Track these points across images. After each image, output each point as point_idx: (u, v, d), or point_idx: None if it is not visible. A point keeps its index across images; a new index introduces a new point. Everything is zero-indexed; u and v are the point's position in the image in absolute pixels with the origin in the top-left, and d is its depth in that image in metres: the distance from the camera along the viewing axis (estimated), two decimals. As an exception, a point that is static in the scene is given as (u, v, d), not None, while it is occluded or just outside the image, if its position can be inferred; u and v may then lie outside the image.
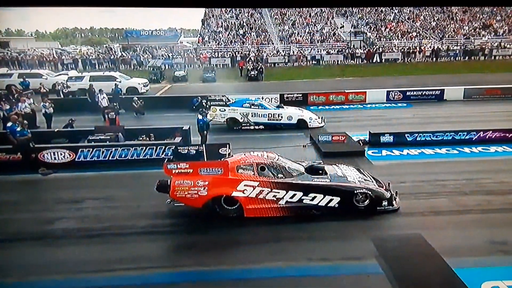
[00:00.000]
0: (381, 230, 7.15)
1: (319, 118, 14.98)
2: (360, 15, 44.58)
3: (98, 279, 5.88)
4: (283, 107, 15.27)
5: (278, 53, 37.67)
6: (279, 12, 45.66)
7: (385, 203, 7.59)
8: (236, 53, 37.33)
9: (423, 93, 19.81)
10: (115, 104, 16.36)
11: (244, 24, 44.46)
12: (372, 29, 42.50)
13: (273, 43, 41.02)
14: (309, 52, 37.33)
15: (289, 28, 43.60)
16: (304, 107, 16.65)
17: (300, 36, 41.92)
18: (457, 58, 35.74)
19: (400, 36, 40.84)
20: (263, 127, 14.43)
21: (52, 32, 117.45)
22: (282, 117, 14.51)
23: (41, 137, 11.72)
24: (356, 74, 28.49)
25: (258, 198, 7.32)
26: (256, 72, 28.44)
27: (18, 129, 10.65)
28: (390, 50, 37.40)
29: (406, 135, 12.05)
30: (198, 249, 6.69)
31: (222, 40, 41.74)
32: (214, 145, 8.62)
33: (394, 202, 7.69)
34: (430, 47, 37.44)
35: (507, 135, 12.06)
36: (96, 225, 7.52)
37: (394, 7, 46.10)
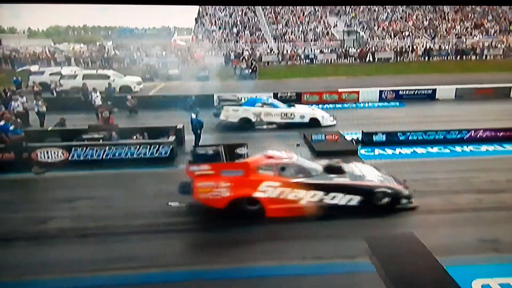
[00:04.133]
0: (374, 229, 7.21)
1: (331, 116, 14.93)
2: (353, 15, 44.69)
3: (93, 278, 5.86)
4: (294, 106, 15.11)
5: (272, 52, 37.66)
6: (272, 10, 45.64)
7: (404, 201, 7.69)
8: (230, 51, 37.25)
9: (416, 92, 19.99)
10: (109, 102, 16.24)
11: (238, 22, 44.37)
12: (365, 28, 42.65)
13: (266, 42, 41.00)
14: (303, 51, 37.39)
15: (282, 27, 43.59)
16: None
17: (294, 35, 41.94)
18: (449, 58, 36.05)
19: (392, 35, 41.05)
20: (276, 126, 14.31)
21: (44, 29, 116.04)
22: (294, 116, 14.43)
23: (34, 136, 11.61)
24: (350, 73, 28.58)
25: (279, 198, 7.37)
26: (250, 70, 28.42)
27: (11, 128, 10.53)
28: (383, 49, 37.59)
29: (398, 134, 12.15)
30: (192, 248, 6.70)
31: (216, 39, 41.62)
32: (231, 145, 8.74)
33: (412, 200, 7.78)
34: (422, 46, 37.71)
35: (498, 134, 12.22)
36: (90, 224, 7.49)
37: (386, 6, 46.38)
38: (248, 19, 45.19)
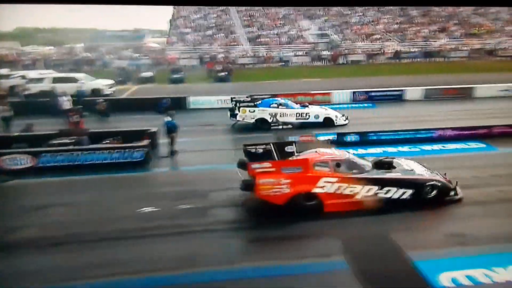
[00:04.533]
0: (349, 228, 7.37)
1: (343, 116, 15.10)
2: (326, 18, 45.59)
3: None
4: (308, 106, 15.30)
5: (247, 55, 37.79)
6: (247, 13, 45.88)
7: (452, 193, 8.04)
8: (205, 54, 37.09)
9: (386, 94, 20.61)
10: (79, 106, 15.77)
11: (213, 25, 44.26)
12: (337, 31, 43.58)
13: (241, 45, 41.11)
14: (277, 54, 37.75)
15: (257, 29, 43.85)
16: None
17: (268, 37, 42.28)
18: (417, 60, 37.39)
19: (364, 38, 42.15)
20: (291, 126, 14.46)
21: (11, 31, 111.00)
22: (309, 116, 14.72)
23: (-1, 142, 11.13)
24: (323, 75, 29.06)
25: (336, 194, 7.58)
26: (225, 73, 28.39)
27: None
28: (354, 52, 38.53)
29: (370, 134, 12.49)
30: (168, 254, 6.61)
31: (191, 41, 41.31)
32: (280, 143, 8.80)
33: (458, 192, 8.10)
34: (392, 49, 38.95)
35: (464, 132, 12.79)
36: (61, 232, 7.24)
37: (357, 11, 47.61)
38: (223, 21, 45.18)
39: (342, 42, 41.16)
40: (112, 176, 10.06)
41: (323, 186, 7.55)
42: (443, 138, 12.59)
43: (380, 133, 12.58)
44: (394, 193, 7.73)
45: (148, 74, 28.74)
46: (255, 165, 7.57)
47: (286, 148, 8.57)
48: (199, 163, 11.19)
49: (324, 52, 38.01)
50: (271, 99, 15.42)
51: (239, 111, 14.51)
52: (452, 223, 7.46)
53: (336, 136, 12.57)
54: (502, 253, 6.20)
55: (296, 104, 15.48)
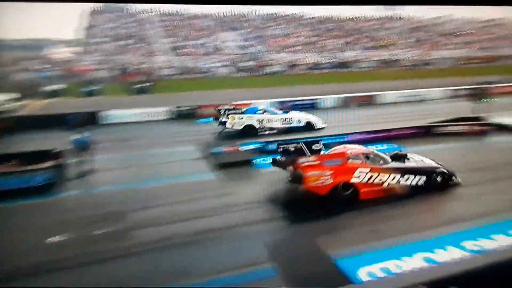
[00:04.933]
0: (273, 233, 7.41)
1: (320, 120, 16.09)
2: (249, 30, 46.81)
3: None
4: (289, 112, 16.07)
5: (169, 65, 36.92)
6: (170, 23, 45.03)
7: (454, 178, 9.30)
8: (123, 64, 35.29)
9: (302, 103, 21.68)
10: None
11: (133, 34, 42.44)
12: (260, 42, 44.98)
13: (164, 55, 40.04)
14: (201, 64, 37.59)
15: (180, 39, 43.20)
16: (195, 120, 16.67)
17: (192, 48, 41.90)
18: (332, 70, 40.27)
19: (285, 49, 44.15)
20: (276, 131, 15.14)
21: None
22: (293, 121, 15.55)
23: None
24: (246, 86, 29.63)
25: (369, 183, 8.57)
26: (145, 84, 27.32)
27: None
28: (276, 62, 40.10)
29: (289, 142, 12.89)
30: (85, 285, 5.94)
31: (107, 51, 39.01)
32: (308, 141, 9.55)
33: (457, 178, 9.39)
34: (311, 60, 41.47)
35: (376, 135, 13.92)
36: None
37: (279, 23, 49.83)
38: (144, 30, 43.63)
39: (265, 53, 42.57)
40: (12, 206, 8.81)
41: (359, 176, 8.53)
42: (356, 142, 13.50)
43: (299, 141, 13.05)
44: (412, 180, 8.93)
45: (57, 87, 26.35)
46: (303, 160, 8.42)
47: (313, 146, 9.44)
48: (115, 182, 10.43)
49: (248, 63, 38.87)
50: (255, 106, 16.08)
51: (227, 118, 15.00)
52: (369, 220, 7.93)
53: (263, 144, 12.74)
54: (409, 244, 6.74)
55: (279, 110, 16.38)
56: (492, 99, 16.47)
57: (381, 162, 8.94)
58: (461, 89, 23.81)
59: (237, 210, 8.40)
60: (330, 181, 8.36)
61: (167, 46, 41.70)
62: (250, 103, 20.35)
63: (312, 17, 54.61)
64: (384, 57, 44.31)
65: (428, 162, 9.54)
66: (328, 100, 22.24)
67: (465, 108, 16.98)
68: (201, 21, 46.60)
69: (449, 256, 6.21)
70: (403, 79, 31.80)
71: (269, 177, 10.42)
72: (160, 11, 47.10)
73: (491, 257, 5.34)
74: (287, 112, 16.13)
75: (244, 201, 8.78)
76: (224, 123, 15.13)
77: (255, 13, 51.88)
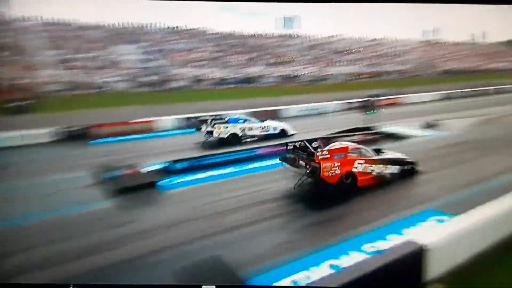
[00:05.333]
0: (182, 259, 7.03)
1: (291, 128, 18.04)
2: (151, 43, 45.44)
3: None
4: (264, 121, 17.78)
5: (55, 80, 33.55)
6: (56, 33, 41.19)
7: (416, 167, 11.49)
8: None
9: (209, 118, 21.70)
10: None
11: (9, 45, 37.48)
12: (163, 57, 43.98)
13: (47, 69, 36.26)
14: (95, 79, 35.03)
15: (70, 52, 39.70)
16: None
17: (83, 61, 38.86)
18: (237, 85, 41.43)
19: (189, 64, 43.95)
20: (256, 138, 16.71)
21: None
22: (269, 128, 17.37)
23: None
24: (148, 102, 28.47)
25: (364, 172, 10.44)
26: (23, 102, 24.25)
27: None
28: (180, 77, 39.61)
29: (194, 160, 12.69)
30: None
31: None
32: (309, 140, 10.94)
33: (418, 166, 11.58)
34: (216, 75, 42.02)
35: (279, 148, 14.40)
36: None
37: (183, 37, 49.60)
38: (22, 41, 38.94)
39: (168, 67, 41.72)
40: None
41: (357, 167, 10.30)
42: (263, 155, 13.94)
43: (204, 157, 12.97)
44: (392, 169, 10.96)
45: None
46: (319, 153, 9.80)
47: (313, 144, 10.78)
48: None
49: (150, 78, 37.56)
50: (235, 117, 17.43)
51: (214, 128, 16.30)
52: (278, 234, 8.08)
53: (169, 164, 12.23)
54: (317, 253, 7.03)
55: (256, 120, 17.95)
56: (379, 110, 18.69)
57: (369, 155, 10.80)
58: (354, 102, 26.69)
59: (140, 238, 7.82)
60: (338, 171, 9.99)
61: (52, 59, 37.95)
62: (153, 120, 19.76)
63: (215, 33, 55.84)
64: (285, 73, 47.35)
65: (399, 155, 11.64)
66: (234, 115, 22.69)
67: (357, 119, 18.87)
68: (93, 33, 43.79)
69: (352, 260, 6.65)
70: (303, 93, 34.30)
71: (178, 198, 10.09)
72: (43, 19, 42.90)
73: (383, 258, 5.92)
74: (263, 121, 17.87)
75: (147, 229, 8.23)
76: (211, 132, 16.39)
77: (156, 25, 50.92)
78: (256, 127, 17.16)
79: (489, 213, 7.09)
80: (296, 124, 20.10)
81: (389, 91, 31.80)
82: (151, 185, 10.87)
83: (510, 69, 70.82)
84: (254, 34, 60.18)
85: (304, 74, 48.78)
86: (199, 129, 17.07)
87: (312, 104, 25.42)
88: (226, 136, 16.48)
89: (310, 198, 10.02)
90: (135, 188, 10.46)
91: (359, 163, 10.40)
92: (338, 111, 26.02)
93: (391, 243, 7.11)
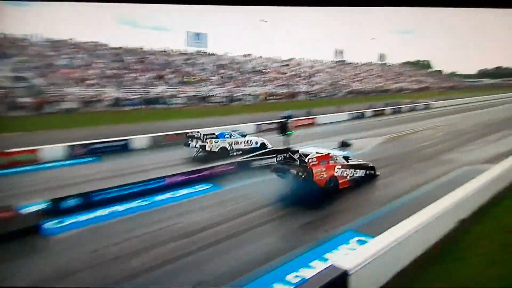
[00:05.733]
0: None
1: (267, 141, 20.59)
2: (22, 58, 41.52)
3: None
4: (245, 136, 20.49)
5: None
6: None
7: (377, 171, 14.74)
8: None
9: (110, 145, 20.74)
10: None
11: None
12: (40, 75, 40.47)
13: None
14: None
15: None
16: None
17: None
18: (139, 107, 40.12)
19: (76, 83, 41.17)
20: (241, 152, 18.92)
21: None
22: (252, 142, 20.04)
23: None
24: (24, 129, 25.56)
25: (342, 176, 13.01)
26: None
27: None
28: (66, 98, 36.85)
29: (91, 195, 11.84)
30: None
31: None
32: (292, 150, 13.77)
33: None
34: (111, 96, 40.07)
35: (191, 176, 14.36)
36: None
37: (67, 53, 46.59)
38: None
39: (48, 87, 38.46)
40: None
41: (337, 172, 12.85)
42: (173, 185, 13.63)
43: (106, 191, 12.16)
44: (359, 173, 13.78)
45: None
46: (309, 160, 12.18)
47: (295, 155, 13.20)
48: None
49: (23, 99, 34.11)
50: (222, 132, 19.70)
51: (206, 142, 18.51)
52: (198, 272, 7.88)
53: (57, 202, 11.15)
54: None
55: (239, 135, 20.30)
56: (293, 131, 20.22)
57: (343, 161, 13.50)
58: (270, 123, 27.86)
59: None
60: (325, 175, 12.37)
61: None
62: (36, 150, 17.99)
63: (112, 47, 53.78)
64: (195, 93, 47.41)
65: (363, 161, 14.70)
66: (140, 140, 22.04)
67: (276, 140, 20.07)
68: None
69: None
70: (216, 115, 34.67)
71: (68, 243, 9.42)
72: None
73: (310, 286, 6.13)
74: (245, 136, 20.45)
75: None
76: (204, 147, 18.50)
77: (33, 37, 47.07)
78: (241, 141, 19.91)
79: (402, 232, 7.69)
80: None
81: (302, 111, 34.07)
82: (34, 229, 9.78)
83: (412, 88, 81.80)
84: (159, 50, 59.45)
85: (216, 94, 49.46)
86: (187, 145, 19.04)
87: (226, 127, 25.88)
88: (217, 149, 18.82)
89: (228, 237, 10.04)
90: (11, 235, 9.28)
91: (338, 168, 13.00)
92: (254, 134, 26.88)
93: (315, 270, 7.42)
